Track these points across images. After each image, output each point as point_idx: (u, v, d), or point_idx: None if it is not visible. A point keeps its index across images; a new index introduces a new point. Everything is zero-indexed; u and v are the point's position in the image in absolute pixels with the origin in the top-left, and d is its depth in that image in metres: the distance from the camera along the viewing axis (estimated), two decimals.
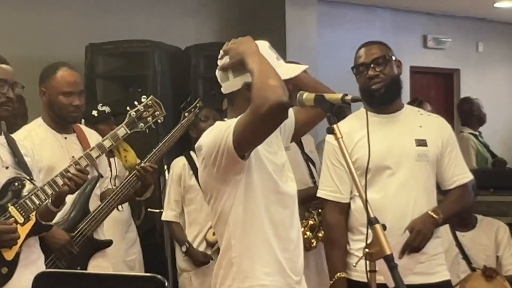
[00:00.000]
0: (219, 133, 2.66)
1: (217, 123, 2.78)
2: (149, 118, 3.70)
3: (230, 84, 2.80)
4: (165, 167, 4.98)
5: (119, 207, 4.73)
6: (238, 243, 2.75)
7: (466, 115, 7.06)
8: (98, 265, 3.85)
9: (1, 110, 3.21)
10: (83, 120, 4.45)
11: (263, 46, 2.79)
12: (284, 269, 2.79)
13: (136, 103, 3.71)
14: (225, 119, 2.83)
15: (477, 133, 6.95)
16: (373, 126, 3.20)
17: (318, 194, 3.58)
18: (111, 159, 5.07)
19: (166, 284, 1.77)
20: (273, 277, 2.76)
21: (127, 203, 5.02)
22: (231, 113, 2.80)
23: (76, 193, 3.66)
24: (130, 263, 5.09)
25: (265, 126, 2.58)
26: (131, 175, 3.99)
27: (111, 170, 4.98)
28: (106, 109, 4.98)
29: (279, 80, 2.57)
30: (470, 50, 10.12)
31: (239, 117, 2.63)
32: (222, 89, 2.85)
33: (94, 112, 5.00)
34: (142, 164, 3.93)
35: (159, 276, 1.79)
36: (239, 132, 2.59)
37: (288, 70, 2.77)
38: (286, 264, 2.79)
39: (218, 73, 2.85)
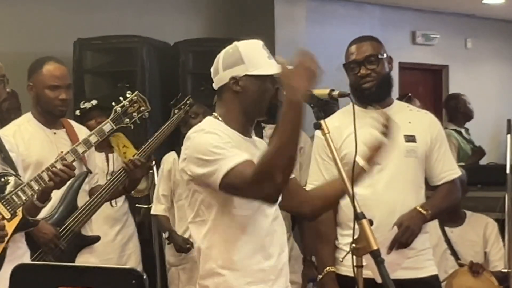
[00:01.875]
0: (210, 157, 2.63)
1: (209, 126, 2.75)
2: (135, 114, 3.69)
3: (219, 78, 2.82)
4: (153, 163, 4.97)
5: (113, 202, 4.73)
6: (219, 252, 2.73)
7: (452, 112, 7.07)
8: (85, 261, 3.84)
9: (4, 105, 3.21)
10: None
11: (257, 44, 2.82)
12: (268, 277, 2.78)
13: (121, 98, 3.70)
14: (214, 113, 2.84)
15: (462, 130, 6.96)
16: (362, 121, 3.21)
17: (307, 189, 3.58)
18: (109, 155, 5.09)
19: (144, 277, 1.77)
20: (256, 285, 2.75)
21: (123, 199, 5.04)
22: (219, 108, 2.83)
23: (65, 188, 3.67)
24: (124, 259, 5.09)
25: (253, 198, 2.65)
26: (118, 171, 3.98)
27: (108, 166, 4.98)
28: (87, 105, 4.98)
29: (288, 161, 2.51)
30: (458, 47, 10.13)
31: (236, 164, 2.58)
32: (214, 84, 2.86)
33: (77, 112, 5.02)
34: (131, 158, 3.93)
35: (138, 269, 1.80)
36: (229, 184, 2.59)
37: (275, 66, 2.75)
38: (270, 271, 2.78)
39: (213, 68, 2.85)
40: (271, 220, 2.80)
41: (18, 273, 1.86)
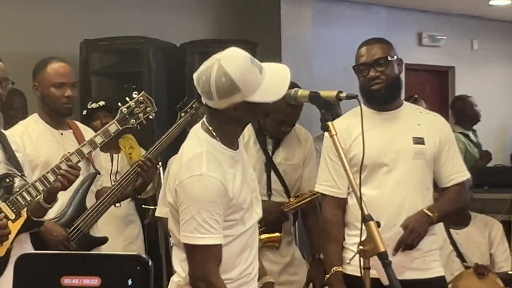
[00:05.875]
0: (194, 220, 2.67)
1: (207, 162, 2.70)
2: (141, 114, 3.69)
3: (215, 103, 2.69)
4: (160, 164, 4.97)
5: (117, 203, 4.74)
6: None
7: (458, 114, 7.04)
8: None
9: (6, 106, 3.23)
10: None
11: (246, 62, 2.67)
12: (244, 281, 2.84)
13: (127, 99, 3.70)
14: (207, 125, 2.76)
15: (470, 132, 6.93)
16: (371, 123, 3.22)
17: (316, 189, 3.59)
18: (114, 155, 5.08)
19: (149, 263, 1.77)
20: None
21: (128, 200, 5.03)
22: (213, 122, 2.75)
23: (73, 189, 3.68)
24: None
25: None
26: (127, 172, 3.99)
27: (112, 166, 4.98)
28: (94, 105, 4.98)
29: None
30: (465, 48, 10.12)
31: (205, 245, 2.66)
32: (202, 99, 2.75)
33: (84, 112, 5.02)
34: (148, 156, 3.94)
35: (143, 255, 1.80)
36: (187, 252, 2.73)
37: (273, 89, 2.70)
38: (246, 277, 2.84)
39: (200, 85, 2.71)
40: (249, 234, 2.84)
41: (22, 262, 1.85)
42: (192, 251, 2.69)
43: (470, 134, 6.93)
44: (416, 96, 6.72)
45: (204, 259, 2.68)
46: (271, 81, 2.70)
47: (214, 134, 2.75)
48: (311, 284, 4.18)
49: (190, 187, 2.66)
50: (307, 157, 4.28)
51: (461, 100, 7.17)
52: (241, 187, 2.75)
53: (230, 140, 2.78)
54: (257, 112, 2.76)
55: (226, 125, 2.75)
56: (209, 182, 2.64)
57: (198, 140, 2.76)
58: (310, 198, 4.08)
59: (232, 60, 2.66)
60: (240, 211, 2.75)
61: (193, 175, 2.66)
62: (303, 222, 4.36)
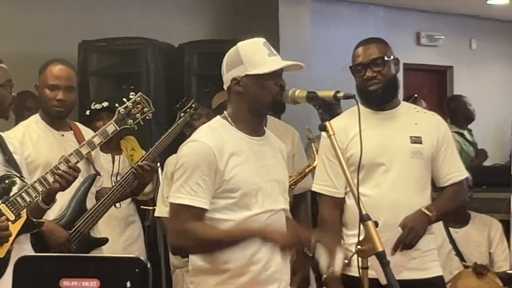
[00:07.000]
0: (179, 180, 2.78)
1: (205, 133, 2.84)
2: (138, 115, 3.72)
3: (225, 80, 2.91)
4: (158, 165, 4.98)
5: (117, 204, 4.75)
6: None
7: (452, 114, 7.05)
8: None
9: (8, 109, 3.25)
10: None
11: (258, 43, 2.87)
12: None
13: (124, 99, 3.72)
14: (225, 112, 2.92)
15: (465, 132, 6.94)
16: (369, 122, 3.22)
17: (313, 188, 3.59)
18: (116, 156, 5.09)
19: (148, 266, 1.78)
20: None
21: (129, 201, 5.04)
22: (229, 108, 2.93)
23: (73, 191, 3.69)
24: None
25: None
26: (127, 173, 4.01)
27: (113, 167, 4.99)
28: (98, 106, 4.99)
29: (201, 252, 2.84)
30: (463, 47, 10.12)
31: (186, 204, 2.74)
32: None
33: (87, 112, 5.03)
34: (140, 163, 3.97)
35: (142, 258, 1.81)
36: (170, 212, 2.83)
37: (272, 65, 2.83)
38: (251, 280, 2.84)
39: (221, 70, 2.93)
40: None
41: (22, 264, 1.85)
42: (172, 209, 2.79)
43: (465, 133, 6.95)
44: (416, 95, 6.73)
45: (181, 216, 2.75)
46: (272, 60, 2.84)
47: (229, 119, 2.89)
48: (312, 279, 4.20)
49: (182, 151, 2.83)
50: (295, 153, 4.28)
51: (455, 100, 7.20)
52: (242, 167, 2.80)
53: (246, 126, 2.88)
54: (260, 91, 2.83)
55: (236, 108, 2.88)
56: (197, 146, 2.78)
57: (206, 125, 2.94)
58: (305, 172, 4.12)
59: (247, 40, 2.89)
60: (238, 190, 2.79)
61: (188, 142, 2.83)
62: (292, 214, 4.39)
